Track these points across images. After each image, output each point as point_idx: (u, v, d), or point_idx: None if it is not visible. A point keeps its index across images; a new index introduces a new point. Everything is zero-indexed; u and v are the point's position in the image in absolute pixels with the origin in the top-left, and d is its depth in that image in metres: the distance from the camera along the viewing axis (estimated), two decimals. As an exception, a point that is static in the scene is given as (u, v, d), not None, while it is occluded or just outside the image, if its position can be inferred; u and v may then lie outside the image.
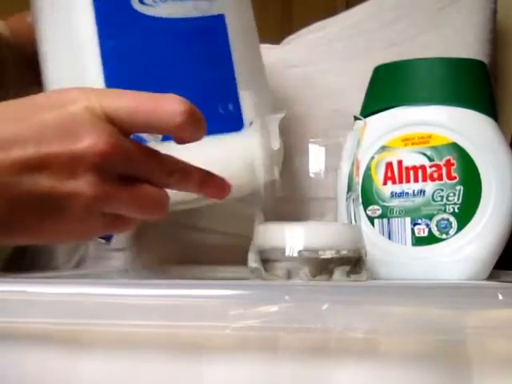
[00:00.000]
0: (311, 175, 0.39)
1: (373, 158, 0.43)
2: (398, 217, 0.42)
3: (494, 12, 0.68)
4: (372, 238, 0.42)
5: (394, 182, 0.42)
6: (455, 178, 0.41)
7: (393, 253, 0.42)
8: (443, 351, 0.29)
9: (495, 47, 0.67)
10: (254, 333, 0.28)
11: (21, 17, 0.60)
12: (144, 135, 0.34)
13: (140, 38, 0.48)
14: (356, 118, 0.40)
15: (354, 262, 0.38)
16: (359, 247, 0.38)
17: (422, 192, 0.41)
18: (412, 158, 0.42)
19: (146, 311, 0.28)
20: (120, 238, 0.67)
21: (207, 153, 0.39)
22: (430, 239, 0.41)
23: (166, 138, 0.32)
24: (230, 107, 0.49)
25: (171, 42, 0.49)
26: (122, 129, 0.30)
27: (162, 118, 0.30)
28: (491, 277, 0.42)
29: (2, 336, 0.30)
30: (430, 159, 0.41)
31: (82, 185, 0.29)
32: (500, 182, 0.40)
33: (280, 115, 0.39)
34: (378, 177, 0.43)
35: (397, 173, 0.42)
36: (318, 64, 0.71)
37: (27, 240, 0.32)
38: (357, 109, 0.45)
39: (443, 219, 0.41)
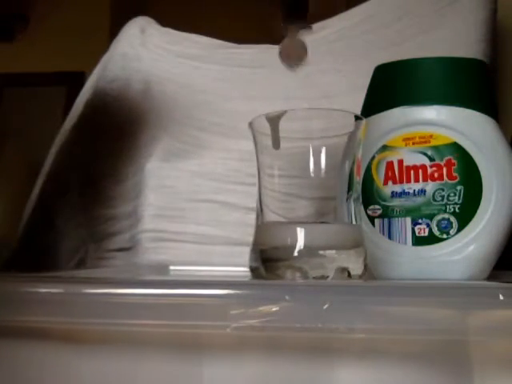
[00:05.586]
0: (311, 175, 0.39)
1: (373, 157, 0.43)
2: (398, 216, 0.42)
3: (494, 12, 0.68)
4: (372, 238, 0.42)
5: (394, 182, 0.42)
6: (456, 177, 0.41)
7: (393, 252, 0.42)
8: (443, 351, 0.29)
9: (495, 47, 0.67)
10: (255, 332, 0.28)
11: None
12: None
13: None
14: (357, 118, 0.40)
15: (354, 262, 0.37)
16: (359, 247, 0.38)
17: (422, 192, 0.41)
18: (413, 157, 0.42)
19: (146, 310, 0.28)
20: (121, 239, 0.67)
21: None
22: (431, 239, 0.41)
23: None
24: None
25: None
26: None
27: None
28: (491, 277, 0.42)
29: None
30: (431, 159, 0.41)
31: None
32: (500, 181, 0.40)
33: (281, 113, 0.39)
34: (379, 176, 0.43)
35: (397, 172, 0.42)
36: (318, 64, 0.71)
37: None
38: (357, 109, 0.45)
39: (444, 219, 0.41)
